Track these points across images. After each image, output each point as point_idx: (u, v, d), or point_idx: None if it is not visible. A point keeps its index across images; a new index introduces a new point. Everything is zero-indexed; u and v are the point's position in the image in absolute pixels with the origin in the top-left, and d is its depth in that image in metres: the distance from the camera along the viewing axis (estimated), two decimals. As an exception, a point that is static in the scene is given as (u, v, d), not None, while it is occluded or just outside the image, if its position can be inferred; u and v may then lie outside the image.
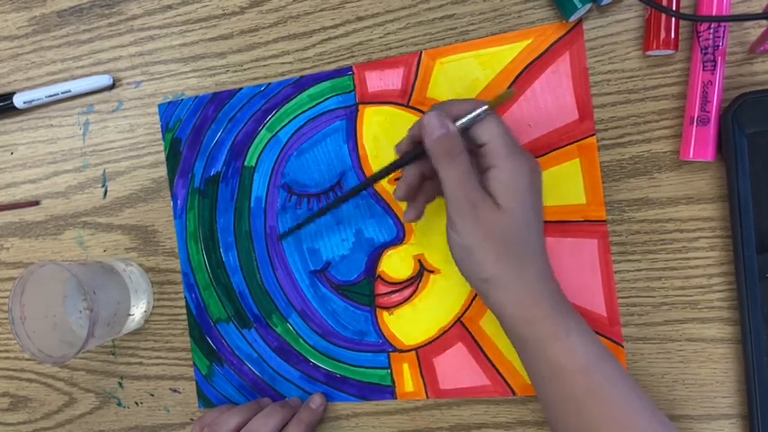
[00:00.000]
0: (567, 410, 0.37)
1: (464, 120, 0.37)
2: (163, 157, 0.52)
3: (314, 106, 0.48)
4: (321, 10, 0.48)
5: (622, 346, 0.43)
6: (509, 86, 0.44)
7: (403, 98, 0.46)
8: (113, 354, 0.54)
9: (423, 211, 0.42)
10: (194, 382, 0.52)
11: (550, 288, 0.37)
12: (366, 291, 0.48)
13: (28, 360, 0.57)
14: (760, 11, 0.39)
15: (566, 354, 0.36)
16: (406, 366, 0.47)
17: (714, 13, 0.39)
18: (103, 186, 0.54)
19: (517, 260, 0.36)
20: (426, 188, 0.42)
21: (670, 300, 0.42)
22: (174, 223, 0.52)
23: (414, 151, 0.39)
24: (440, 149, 0.37)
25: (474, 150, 0.38)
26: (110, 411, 0.55)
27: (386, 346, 0.48)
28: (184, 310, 0.52)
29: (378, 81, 0.47)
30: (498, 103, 0.37)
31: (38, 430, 0.57)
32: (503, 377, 0.45)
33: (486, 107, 0.37)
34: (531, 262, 0.37)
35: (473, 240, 0.36)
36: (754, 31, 0.40)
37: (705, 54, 0.39)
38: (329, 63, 0.48)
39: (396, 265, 0.47)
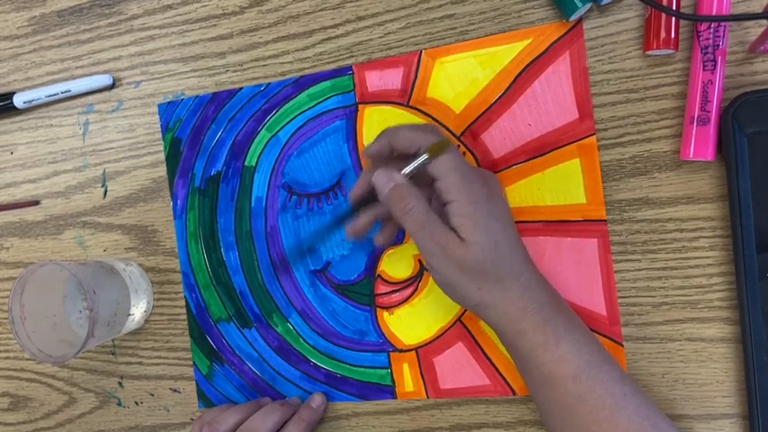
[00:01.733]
0: (560, 417, 0.37)
1: (409, 169, 0.38)
2: (163, 156, 0.52)
3: (314, 106, 0.48)
4: (321, 10, 0.48)
5: (622, 346, 0.43)
6: (508, 87, 0.44)
7: (403, 98, 0.46)
8: (113, 353, 0.54)
9: (393, 235, 0.44)
10: (194, 382, 0.52)
11: (538, 298, 0.38)
12: (366, 290, 0.48)
13: (28, 360, 0.57)
14: (760, 10, 0.39)
15: (556, 362, 0.36)
16: (406, 366, 0.47)
17: (714, 13, 0.39)
18: (103, 186, 0.54)
19: (497, 282, 0.37)
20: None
21: (670, 299, 0.42)
22: (174, 223, 0.52)
23: (366, 198, 0.41)
24: (394, 204, 0.38)
25: (430, 184, 0.39)
26: (110, 411, 0.55)
27: (386, 346, 0.48)
28: (184, 310, 0.52)
29: (377, 81, 0.47)
30: (438, 153, 0.38)
31: (38, 430, 0.57)
32: (503, 377, 0.45)
33: (426, 157, 0.38)
34: (511, 280, 0.37)
35: (451, 276, 0.38)
36: (754, 30, 0.40)
37: (705, 54, 0.39)
38: (329, 63, 0.48)
39: (396, 264, 0.47)
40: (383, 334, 0.48)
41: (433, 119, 0.46)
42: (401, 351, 0.47)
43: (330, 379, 0.49)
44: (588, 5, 0.41)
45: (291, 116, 0.49)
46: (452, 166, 0.37)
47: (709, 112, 0.39)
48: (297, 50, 0.49)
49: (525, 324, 0.37)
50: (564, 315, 0.38)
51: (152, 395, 0.53)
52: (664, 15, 0.40)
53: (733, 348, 0.41)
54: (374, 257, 0.47)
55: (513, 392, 0.45)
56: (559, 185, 0.43)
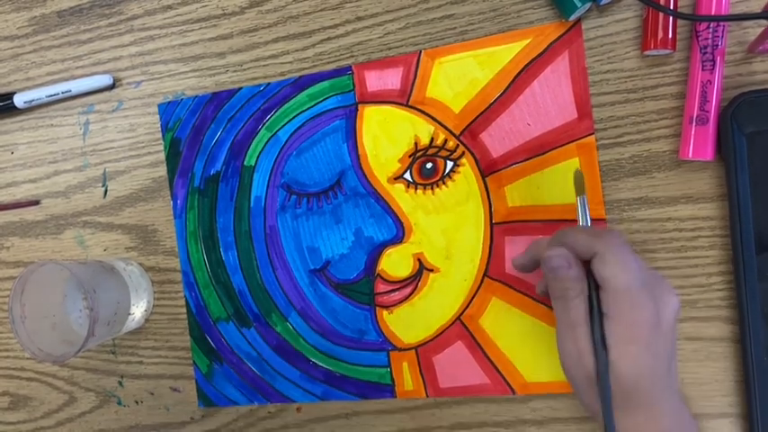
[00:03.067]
0: None
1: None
2: (163, 156, 0.52)
3: (313, 106, 0.48)
4: (321, 10, 0.48)
5: (621, 346, 0.43)
6: (507, 86, 0.44)
7: (402, 98, 0.46)
8: (113, 353, 0.54)
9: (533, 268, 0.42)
10: (194, 381, 0.52)
11: (685, 424, 0.36)
12: (366, 289, 0.48)
13: (28, 359, 0.57)
14: (759, 10, 0.39)
15: None
16: (405, 365, 0.47)
17: (713, 13, 0.39)
18: (104, 186, 0.54)
19: (624, 411, 0.34)
20: None
21: (669, 299, 0.42)
22: (173, 223, 0.52)
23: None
24: (556, 288, 0.36)
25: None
26: (110, 410, 0.55)
27: (385, 345, 0.48)
28: (184, 310, 0.52)
29: (377, 81, 0.47)
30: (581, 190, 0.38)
31: (38, 429, 0.57)
32: (502, 376, 0.45)
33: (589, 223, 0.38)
34: (641, 414, 0.34)
35: (575, 379, 0.35)
36: (753, 30, 0.40)
37: (704, 54, 0.39)
38: (328, 63, 0.48)
39: (395, 263, 0.47)
40: (383, 333, 0.48)
41: (433, 118, 0.46)
42: (401, 350, 0.47)
43: (329, 378, 0.49)
44: (587, 5, 0.41)
45: (291, 116, 0.49)
46: (627, 287, 0.33)
47: (707, 111, 0.39)
48: (296, 50, 0.49)
49: None
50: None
51: (152, 394, 0.53)
52: (661, 15, 0.40)
53: (732, 348, 0.41)
54: (374, 256, 0.47)
55: (513, 391, 0.45)
56: (559, 185, 0.43)
